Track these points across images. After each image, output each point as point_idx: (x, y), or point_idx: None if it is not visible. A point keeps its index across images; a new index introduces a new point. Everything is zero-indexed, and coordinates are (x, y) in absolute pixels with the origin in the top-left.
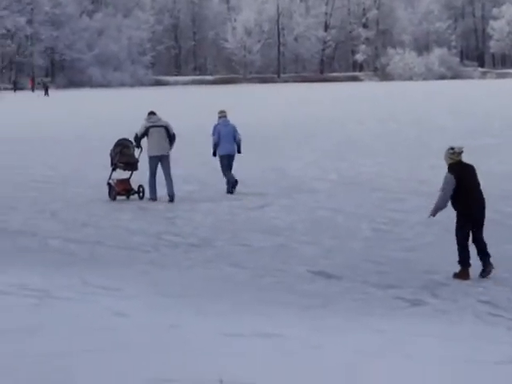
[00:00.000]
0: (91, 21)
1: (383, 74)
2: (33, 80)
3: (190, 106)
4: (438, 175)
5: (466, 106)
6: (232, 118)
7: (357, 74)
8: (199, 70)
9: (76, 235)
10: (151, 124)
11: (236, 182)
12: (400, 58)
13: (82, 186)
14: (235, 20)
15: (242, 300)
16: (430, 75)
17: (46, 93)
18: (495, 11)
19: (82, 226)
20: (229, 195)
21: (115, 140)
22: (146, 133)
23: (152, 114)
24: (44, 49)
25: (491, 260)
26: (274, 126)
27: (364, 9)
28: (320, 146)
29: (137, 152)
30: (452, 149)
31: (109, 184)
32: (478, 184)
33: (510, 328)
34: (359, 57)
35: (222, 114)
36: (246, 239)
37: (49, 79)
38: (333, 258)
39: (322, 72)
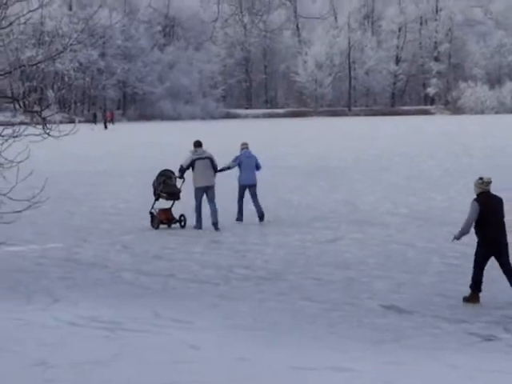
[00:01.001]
0: (163, 54)
1: (454, 108)
2: (112, 112)
3: (262, 140)
4: (508, 211)
5: None
6: (304, 151)
7: (428, 107)
8: (270, 103)
9: (148, 268)
10: (197, 156)
11: (263, 214)
12: (472, 91)
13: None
14: (306, 53)
15: (314, 333)
16: (502, 109)
17: (106, 125)
18: None
19: (154, 259)
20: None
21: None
22: (191, 165)
23: (198, 146)
24: (116, 82)
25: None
26: (345, 159)
27: (436, 42)
28: (391, 180)
29: (179, 183)
30: (481, 179)
31: (151, 213)
32: (502, 216)
33: None
34: (430, 90)
35: (245, 146)
36: (316, 273)
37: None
38: (404, 293)
39: (392, 105)
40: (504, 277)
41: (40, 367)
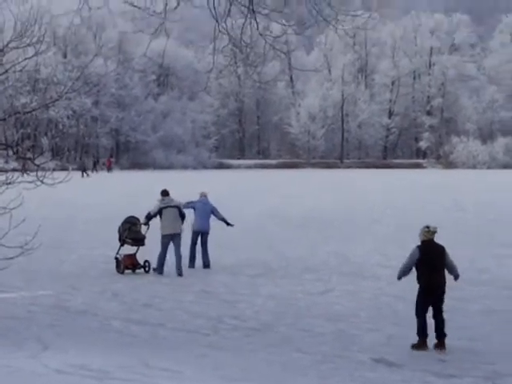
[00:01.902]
0: (156, 103)
1: (446, 162)
2: (110, 160)
3: (254, 191)
4: (500, 265)
5: None
6: (296, 202)
7: (420, 161)
8: (262, 153)
9: (137, 316)
10: (165, 205)
11: (209, 264)
12: (464, 146)
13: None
14: (300, 105)
15: None
16: (494, 164)
17: (84, 174)
18: None
19: (144, 307)
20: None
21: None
22: (159, 213)
23: (165, 194)
24: (109, 130)
25: (445, 340)
26: (337, 211)
27: (428, 96)
28: (382, 232)
29: (144, 229)
30: (427, 227)
31: (116, 258)
32: (443, 264)
33: None
34: (423, 144)
35: (203, 194)
36: (307, 324)
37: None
38: (394, 346)
39: (385, 158)
40: (497, 331)
41: None
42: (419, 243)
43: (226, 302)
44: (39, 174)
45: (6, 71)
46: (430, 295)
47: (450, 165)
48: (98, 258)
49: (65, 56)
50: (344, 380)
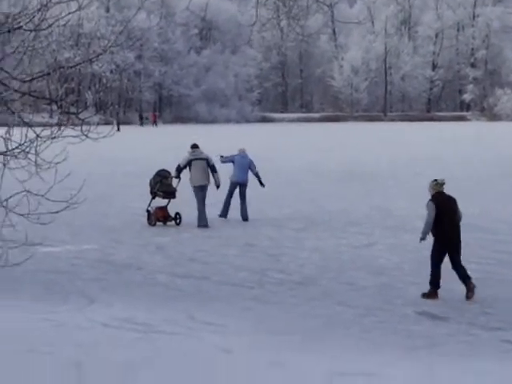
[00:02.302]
0: (199, 57)
1: (491, 114)
2: (154, 114)
3: (296, 144)
4: None
5: None
6: (338, 156)
7: (464, 113)
8: (305, 107)
9: (182, 270)
10: (194, 157)
11: (247, 217)
12: (508, 98)
13: (190, 220)
14: (342, 58)
15: (347, 339)
16: None
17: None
18: None
19: (188, 261)
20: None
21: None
22: (188, 164)
23: (195, 147)
24: (152, 84)
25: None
26: (380, 165)
27: (473, 49)
28: (424, 185)
29: (175, 182)
30: (435, 180)
31: (148, 211)
32: (456, 214)
33: None
34: (466, 97)
35: (242, 150)
36: (350, 278)
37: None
38: (438, 299)
39: (428, 111)
40: None
41: (74, 368)
42: (430, 198)
43: (269, 255)
44: (83, 128)
45: (50, 26)
46: (446, 246)
47: (494, 117)
48: (141, 212)
49: (107, 10)
50: (387, 333)
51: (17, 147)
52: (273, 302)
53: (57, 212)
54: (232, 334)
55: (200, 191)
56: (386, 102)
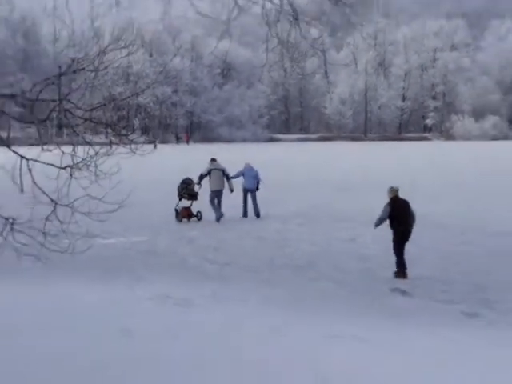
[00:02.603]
0: (221, 91)
1: (447, 135)
2: (187, 135)
3: (298, 158)
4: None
5: None
6: (331, 168)
7: (426, 134)
8: (304, 130)
9: (209, 256)
10: (213, 167)
11: (259, 214)
12: (461, 123)
13: (211, 218)
14: (333, 92)
15: (338, 310)
16: (484, 137)
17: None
18: None
19: (214, 250)
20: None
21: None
22: (208, 173)
23: (213, 160)
24: (185, 112)
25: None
26: (365, 175)
27: (433, 84)
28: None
29: (197, 188)
30: (391, 187)
31: (176, 210)
32: (408, 213)
33: None
34: (429, 121)
35: (248, 164)
36: (341, 263)
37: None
38: (407, 279)
39: (399, 133)
40: (486, 267)
41: (124, 336)
42: (388, 201)
43: (277, 245)
44: (132, 146)
45: (106, 67)
46: (402, 239)
47: (450, 137)
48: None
49: (151, 55)
50: (369, 305)
51: (81, 161)
52: (279, 282)
53: (111, 212)
54: (246, 307)
55: (216, 195)
56: (366, 126)
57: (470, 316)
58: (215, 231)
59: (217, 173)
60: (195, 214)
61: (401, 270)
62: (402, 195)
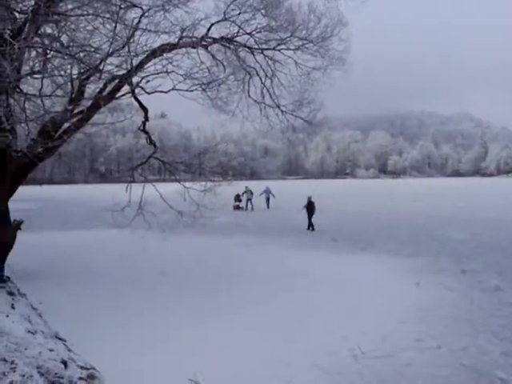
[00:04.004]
0: None
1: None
2: None
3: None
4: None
5: None
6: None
7: None
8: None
9: (256, 226)
10: (246, 190)
11: (268, 207)
12: None
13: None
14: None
15: (293, 243)
16: None
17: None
18: None
19: (255, 223)
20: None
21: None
22: (244, 193)
23: (246, 187)
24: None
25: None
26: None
27: None
28: (342, 209)
29: (243, 197)
30: (309, 196)
31: (234, 206)
32: (314, 208)
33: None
34: None
35: (267, 186)
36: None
37: None
38: (340, 233)
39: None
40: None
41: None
42: (306, 203)
43: (285, 220)
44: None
45: None
46: (308, 214)
47: None
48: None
49: None
50: (317, 247)
51: (204, 189)
52: (290, 237)
53: (213, 218)
54: (268, 245)
55: (248, 201)
56: None
57: (362, 249)
58: (254, 215)
59: (249, 191)
60: (241, 207)
61: (311, 229)
62: None
